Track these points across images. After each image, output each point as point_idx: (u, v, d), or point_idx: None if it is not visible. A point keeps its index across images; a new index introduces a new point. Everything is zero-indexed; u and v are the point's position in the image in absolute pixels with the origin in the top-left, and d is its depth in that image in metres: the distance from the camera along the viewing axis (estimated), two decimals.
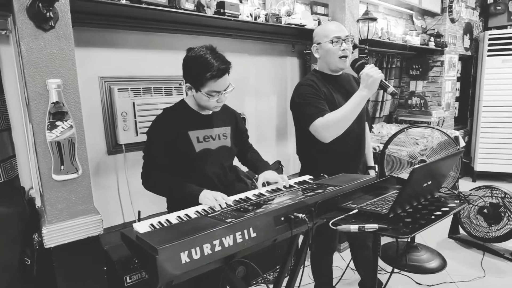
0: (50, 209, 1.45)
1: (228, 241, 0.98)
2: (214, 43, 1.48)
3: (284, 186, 1.50)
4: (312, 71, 1.89)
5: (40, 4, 1.32)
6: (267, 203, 1.24)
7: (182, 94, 2.44)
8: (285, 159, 3.40)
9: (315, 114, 1.65)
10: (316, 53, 1.80)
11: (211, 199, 1.32)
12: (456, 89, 4.92)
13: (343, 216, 1.16)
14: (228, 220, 1.04)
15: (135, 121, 2.25)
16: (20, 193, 1.71)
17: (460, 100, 5.16)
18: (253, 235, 1.04)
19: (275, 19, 2.25)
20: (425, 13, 4.29)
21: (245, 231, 1.02)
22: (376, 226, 1.05)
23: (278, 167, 2.89)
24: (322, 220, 1.21)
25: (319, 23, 2.69)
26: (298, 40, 3.03)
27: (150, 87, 2.35)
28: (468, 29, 4.75)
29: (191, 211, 1.28)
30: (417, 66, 4.47)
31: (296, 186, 1.50)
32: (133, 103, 2.26)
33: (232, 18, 2.05)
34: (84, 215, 1.54)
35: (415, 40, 3.79)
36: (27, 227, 1.64)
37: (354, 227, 1.07)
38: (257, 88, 3.14)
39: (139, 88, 2.29)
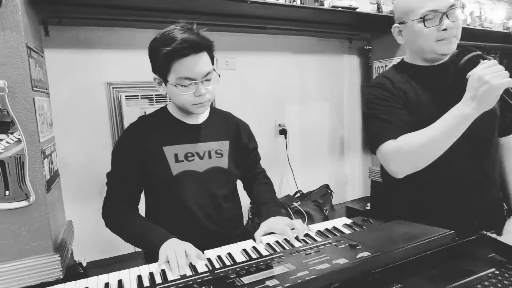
0: None
1: None
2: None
3: (297, 239, 0.97)
4: (401, 61, 1.22)
5: None
6: (244, 276, 0.71)
7: None
8: (339, 181, 2.75)
9: (382, 133, 1.06)
10: (399, 37, 1.15)
11: (170, 258, 0.86)
12: None
13: None
14: None
15: None
16: None
17: None
18: None
19: (315, 1, 1.71)
20: None
21: None
22: None
23: (325, 193, 2.29)
24: None
25: (379, 7, 2.06)
26: (355, 33, 2.44)
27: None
28: None
29: (134, 274, 0.83)
30: None
31: (318, 239, 0.95)
32: (145, 112, 1.94)
33: (249, 0, 1.57)
34: (38, 254, 1.19)
35: None
36: None
37: None
38: (303, 93, 2.61)
39: (151, 96, 1.97)
